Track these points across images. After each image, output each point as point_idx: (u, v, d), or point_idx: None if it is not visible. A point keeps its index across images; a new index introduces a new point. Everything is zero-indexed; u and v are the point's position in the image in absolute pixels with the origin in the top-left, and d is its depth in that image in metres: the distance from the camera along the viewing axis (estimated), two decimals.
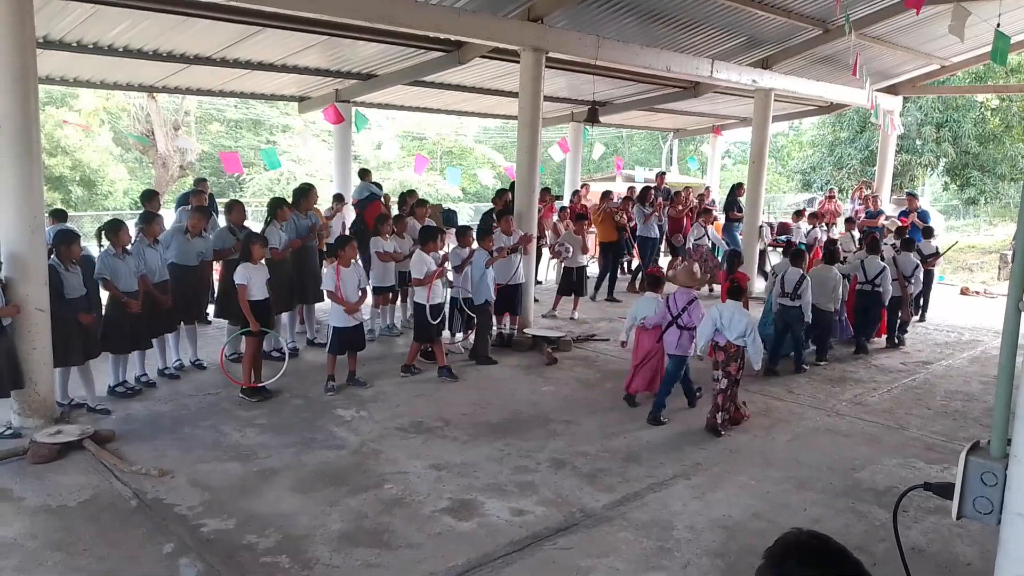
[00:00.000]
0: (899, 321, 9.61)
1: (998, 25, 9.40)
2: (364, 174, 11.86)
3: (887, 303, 9.07)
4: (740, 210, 13.81)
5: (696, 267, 7.19)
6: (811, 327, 8.32)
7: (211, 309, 8.85)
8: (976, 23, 9.75)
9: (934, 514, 4.75)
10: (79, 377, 6.36)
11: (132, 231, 7.12)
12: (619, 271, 13.72)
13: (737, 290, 6.77)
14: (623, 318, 10.72)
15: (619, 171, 21.07)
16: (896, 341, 9.52)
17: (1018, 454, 1.69)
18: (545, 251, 12.31)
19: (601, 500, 4.94)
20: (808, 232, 13.04)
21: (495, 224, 9.15)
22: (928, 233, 11.08)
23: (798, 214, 13.98)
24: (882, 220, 13.92)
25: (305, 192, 8.75)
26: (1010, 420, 1.85)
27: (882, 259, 9.18)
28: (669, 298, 6.71)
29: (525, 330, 9.14)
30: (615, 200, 12.76)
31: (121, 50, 9.43)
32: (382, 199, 11.21)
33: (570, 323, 10.25)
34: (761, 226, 13.43)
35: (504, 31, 8.86)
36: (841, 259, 8.84)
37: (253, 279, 6.82)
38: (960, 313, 11.93)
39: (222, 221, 8.71)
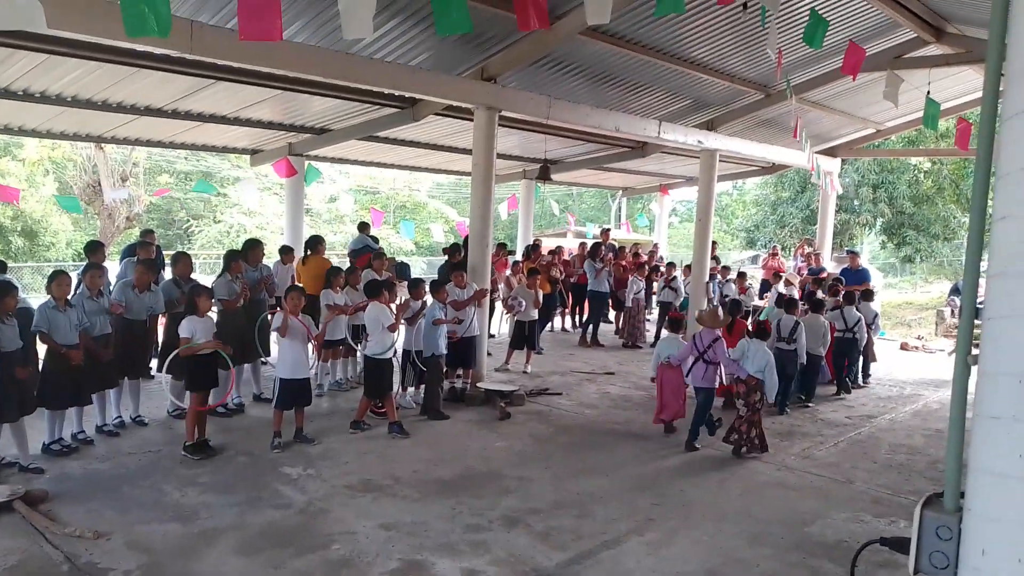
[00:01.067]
0: (863, 364, 10.70)
1: (928, 92, 9.92)
2: (363, 227, 12.31)
3: (862, 348, 10.17)
4: (717, 263, 14.79)
5: (720, 311, 8.27)
6: (803, 369, 9.15)
7: (154, 364, 8.58)
8: (909, 90, 10.28)
9: (884, 568, 4.78)
10: (11, 434, 6.07)
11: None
12: (567, 325, 14.06)
13: (763, 332, 7.74)
14: (576, 371, 10.84)
15: (571, 226, 21.41)
16: (853, 385, 10.35)
17: (972, 507, 1.72)
18: (498, 304, 12.37)
19: (554, 558, 4.86)
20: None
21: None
22: (867, 296, 11.01)
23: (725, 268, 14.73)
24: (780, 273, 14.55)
25: (253, 246, 8.73)
26: (962, 473, 1.89)
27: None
28: (695, 337, 7.58)
29: (478, 384, 9.07)
30: (545, 255, 13.31)
31: (70, 100, 9.30)
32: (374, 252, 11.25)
33: (523, 377, 10.23)
34: (708, 282, 13.75)
35: (458, 90, 9.01)
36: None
37: (198, 332, 6.66)
38: (901, 368, 12.25)
39: (168, 274, 8.55)
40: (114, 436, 7.05)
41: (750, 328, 8.66)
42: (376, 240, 12.22)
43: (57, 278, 6.48)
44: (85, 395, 6.68)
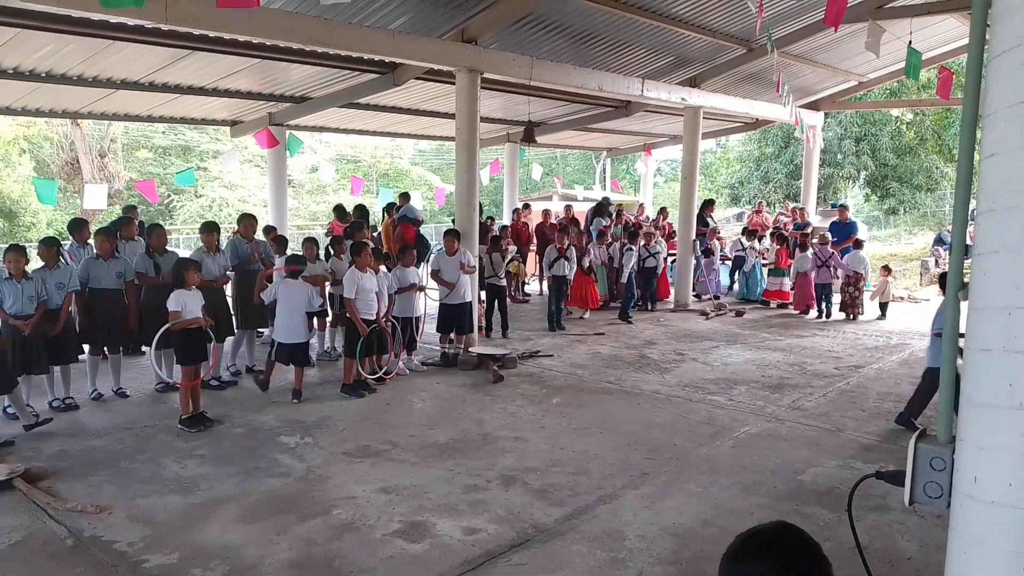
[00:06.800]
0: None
1: (910, 42, 9.89)
2: (405, 197, 12.83)
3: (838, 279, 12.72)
4: (706, 225, 14.81)
5: (828, 235, 13.08)
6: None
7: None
8: (890, 40, 10.24)
9: (875, 511, 4.90)
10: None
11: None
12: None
13: (859, 244, 12.71)
14: (565, 333, 10.89)
15: (557, 189, 21.36)
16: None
17: (964, 438, 1.76)
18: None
19: (553, 515, 4.94)
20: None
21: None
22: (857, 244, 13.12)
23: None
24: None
25: (244, 219, 8.87)
26: (953, 408, 1.94)
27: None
28: (816, 253, 12.36)
29: (470, 349, 9.12)
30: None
31: (43, 75, 9.14)
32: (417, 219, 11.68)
33: (514, 340, 10.28)
34: (694, 240, 13.81)
35: (439, 52, 8.91)
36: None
37: (187, 306, 6.64)
38: (887, 318, 12.39)
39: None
40: (72, 410, 7.10)
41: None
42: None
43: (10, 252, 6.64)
44: (38, 367, 6.75)
